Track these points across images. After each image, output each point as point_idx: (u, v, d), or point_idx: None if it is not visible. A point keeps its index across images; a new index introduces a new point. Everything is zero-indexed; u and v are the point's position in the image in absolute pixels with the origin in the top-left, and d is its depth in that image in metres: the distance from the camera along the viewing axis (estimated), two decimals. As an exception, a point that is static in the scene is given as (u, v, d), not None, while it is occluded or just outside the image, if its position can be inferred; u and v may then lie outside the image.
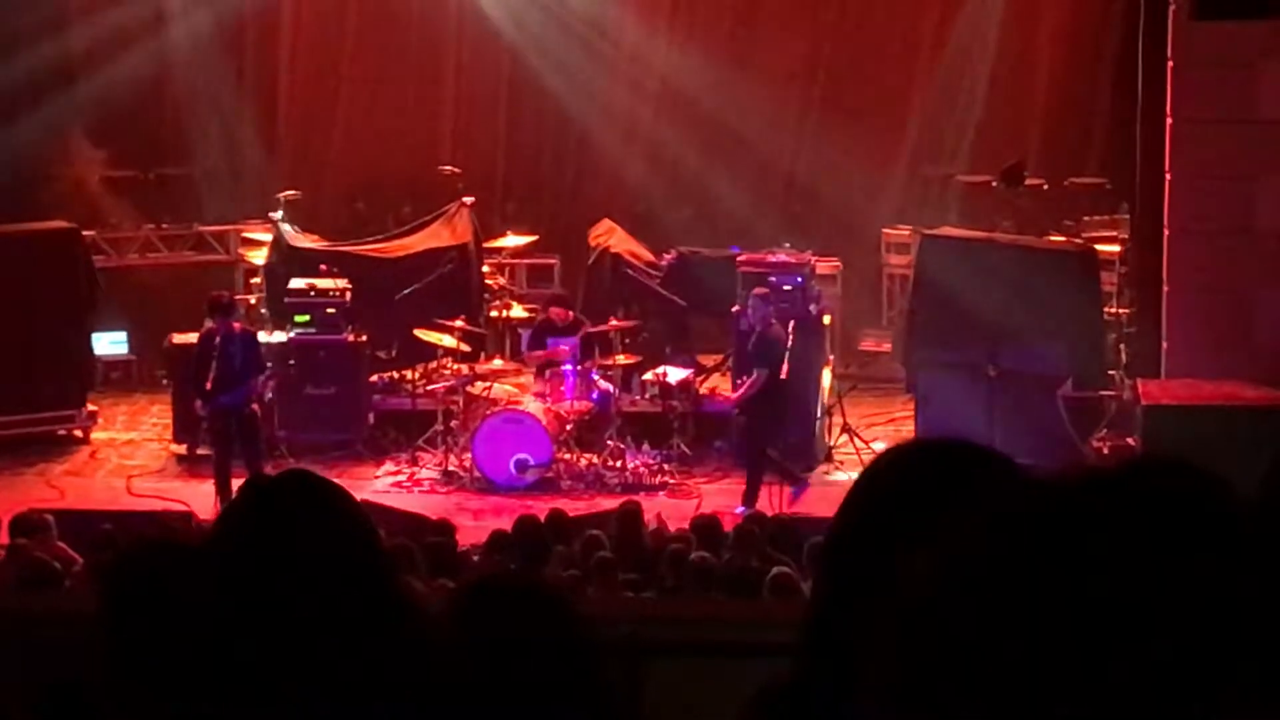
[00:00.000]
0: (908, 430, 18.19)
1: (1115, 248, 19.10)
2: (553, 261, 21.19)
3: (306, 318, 18.25)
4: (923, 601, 1.43)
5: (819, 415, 17.78)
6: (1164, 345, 16.46)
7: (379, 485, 17.03)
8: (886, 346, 20.62)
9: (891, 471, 2.20)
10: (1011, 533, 1.42)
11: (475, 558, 12.63)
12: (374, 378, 18.91)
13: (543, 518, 13.39)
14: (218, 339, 16.01)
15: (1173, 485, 1.44)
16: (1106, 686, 1.35)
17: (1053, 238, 19.37)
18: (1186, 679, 1.35)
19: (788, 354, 16.22)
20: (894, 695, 1.43)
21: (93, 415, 18.86)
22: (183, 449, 17.92)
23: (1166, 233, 16.46)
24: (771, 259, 18.23)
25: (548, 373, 17.49)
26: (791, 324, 16.64)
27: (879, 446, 17.68)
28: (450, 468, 17.24)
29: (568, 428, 17.19)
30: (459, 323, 17.87)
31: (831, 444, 17.87)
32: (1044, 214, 20.20)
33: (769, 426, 16.40)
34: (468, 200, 19.96)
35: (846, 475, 16.91)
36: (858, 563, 2.11)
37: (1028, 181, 20.13)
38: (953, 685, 1.39)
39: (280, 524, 3.06)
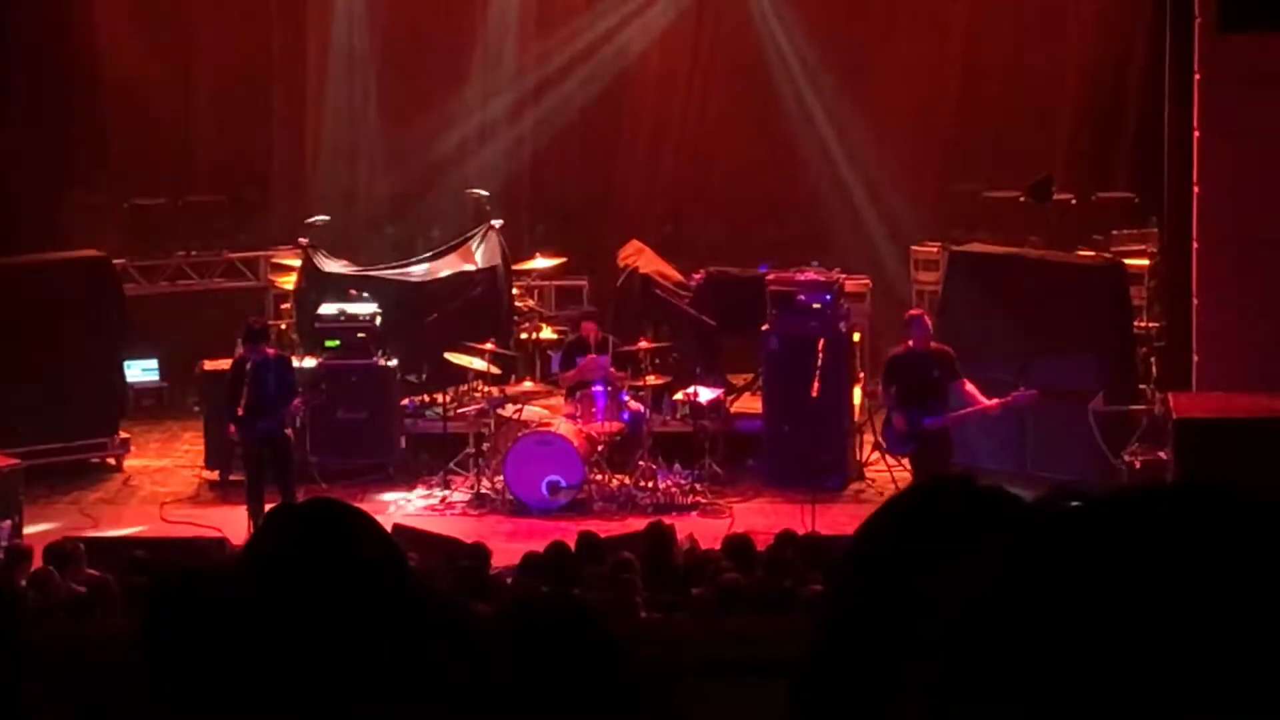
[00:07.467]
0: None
1: (1144, 261, 19.07)
2: (582, 283, 21.21)
3: (337, 342, 18.29)
4: (971, 613, 1.43)
5: (850, 432, 17.76)
6: (1195, 359, 16.40)
7: (411, 509, 17.03)
8: (917, 364, 20.58)
9: (909, 507, 2.19)
10: (1060, 547, 1.42)
11: (508, 580, 12.62)
12: (405, 401, 18.93)
13: (574, 540, 13.36)
14: (249, 364, 16.03)
15: (1216, 509, 1.44)
16: (1159, 704, 1.35)
17: (1081, 252, 19.33)
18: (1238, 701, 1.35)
19: (818, 371, 16.23)
20: (941, 704, 1.44)
21: (125, 443, 18.91)
22: (215, 475, 17.96)
23: (1195, 246, 16.41)
24: (800, 277, 18.20)
25: (578, 394, 17.50)
26: (821, 342, 16.63)
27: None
28: (482, 490, 17.25)
29: (599, 449, 17.18)
30: (489, 345, 17.88)
31: (863, 461, 17.86)
32: (1072, 229, 20.15)
33: None
34: (496, 223, 19.99)
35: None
36: (868, 587, 2.11)
37: (1056, 196, 20.10)
38: (1001, 696, 1.39)
39: (303, 552, 3.07)
